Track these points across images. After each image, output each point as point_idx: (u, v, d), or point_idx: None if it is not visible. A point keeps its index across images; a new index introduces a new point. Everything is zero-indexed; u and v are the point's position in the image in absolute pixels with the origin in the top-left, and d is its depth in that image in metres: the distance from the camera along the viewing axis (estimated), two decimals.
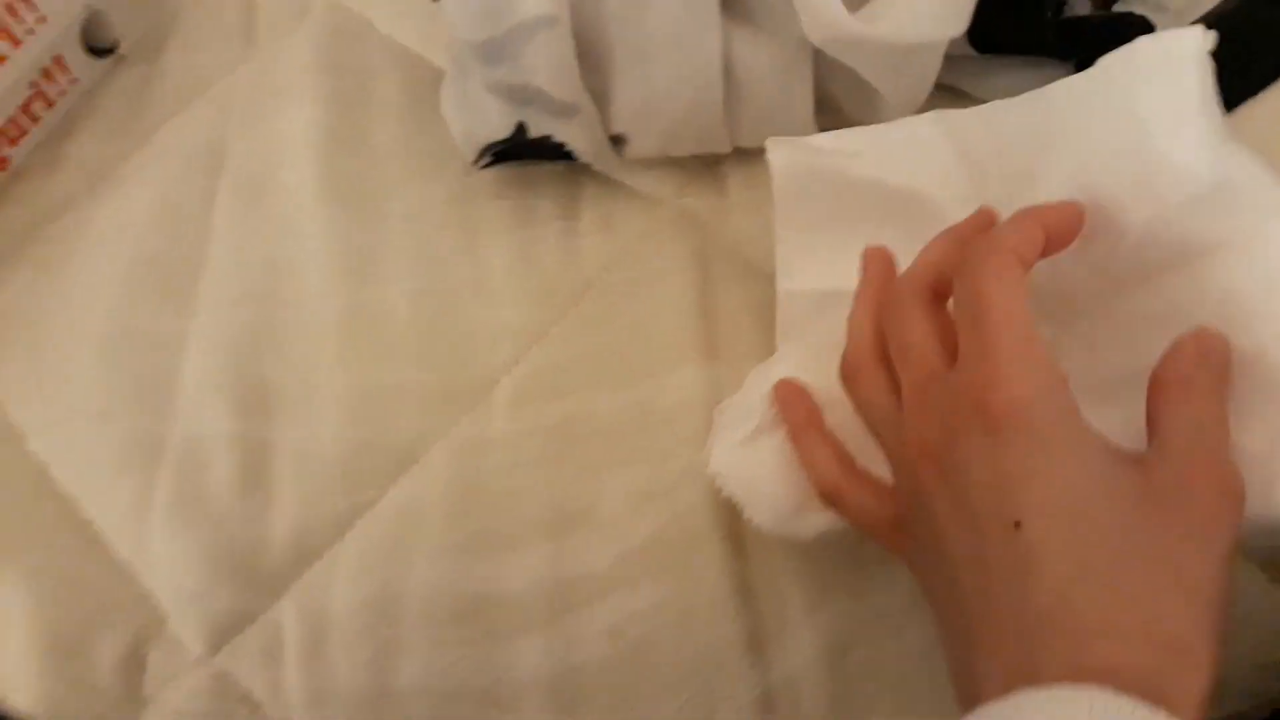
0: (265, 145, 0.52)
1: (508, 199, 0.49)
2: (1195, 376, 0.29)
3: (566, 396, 0.43)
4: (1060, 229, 0.32)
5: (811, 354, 0.39)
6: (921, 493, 0.29)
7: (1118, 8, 0.47)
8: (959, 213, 0.39)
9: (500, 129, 0.45)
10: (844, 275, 0.40)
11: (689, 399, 0.42)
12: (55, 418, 0.46)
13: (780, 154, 0.40)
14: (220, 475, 0.43)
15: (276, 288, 0.48)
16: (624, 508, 0.40)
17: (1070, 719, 0.23)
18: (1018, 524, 0.26)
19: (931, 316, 0.32)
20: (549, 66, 0.42)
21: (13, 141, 0.55)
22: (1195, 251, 0.33)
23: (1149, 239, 0.34)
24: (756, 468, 0.37)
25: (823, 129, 0.46)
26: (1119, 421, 0.34)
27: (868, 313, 0.35)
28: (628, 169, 0.49)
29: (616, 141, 0.47)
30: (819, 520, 0.36)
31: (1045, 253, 0.32)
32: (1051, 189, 0.37)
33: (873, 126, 0.41)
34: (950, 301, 0.33)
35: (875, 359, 0.34)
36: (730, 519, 0.40)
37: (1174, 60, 0.33)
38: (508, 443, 0.43)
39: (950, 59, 0.45)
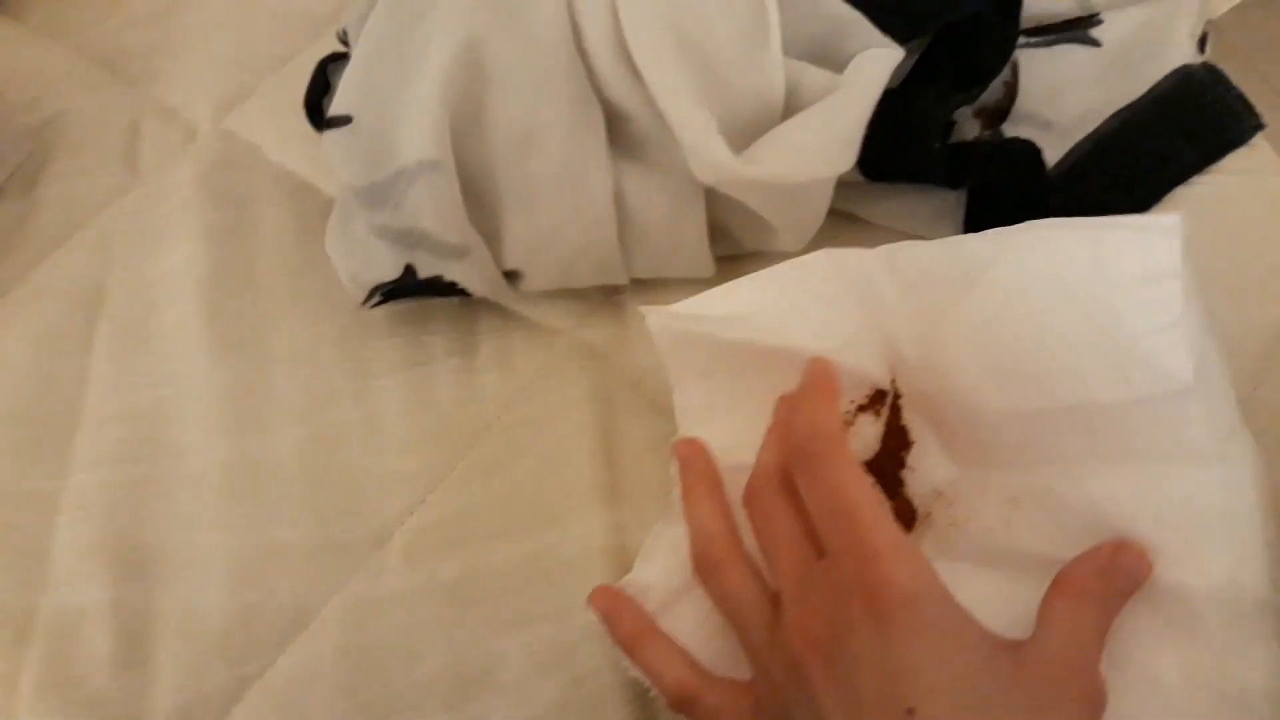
0: (146, 284, 0.51)
1: (400, 336, 0.47)
2: (1094, 588, 0.30)
3: (464, 548, 0.42)
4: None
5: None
6: (806, 685, 0.30)
7: (1005, 127, 0.49)
8: (845, 353, 0.39)
9: (388, 271, 0.44)
10: (738, 431, 0.39)
11: (591, 548, 0.41)
12: None
13: (657, 322, 0.40)
14: (95, 650, 0.40)
15: (155, 440, 0.46)
16: (525, 670, 0.39)
17: None
18: (910, 711, 0.27)
19: (792, 507, 0.33)
20: (435, 210, 0.41)
21: None
22: (1125, 455, 0.33)
23: (1099, 425, 0.34)
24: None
25: (718, 256, 0.46)
26: (1023, 597, 0.34)
27: (712, 507, 0.36)
28: (525, 301, 0.48)
29: (511, 276, 0.46)
30: None
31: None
32: (969, 338, 0.36)
33: (753, 277, 0.40)
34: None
35: (733, 551, 0.35)
36: (638, 681, 0.38)
37: (1163, 262, 0.33)
38: (402, 601, 0.41)
39: (842, 185, 0.45)
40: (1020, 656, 0.29)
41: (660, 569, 0.38)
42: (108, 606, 0.41)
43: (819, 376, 0.36)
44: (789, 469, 0.34)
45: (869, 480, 0.32)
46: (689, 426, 0.40)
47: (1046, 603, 0.31)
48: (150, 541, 0.43)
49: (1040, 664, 0.29)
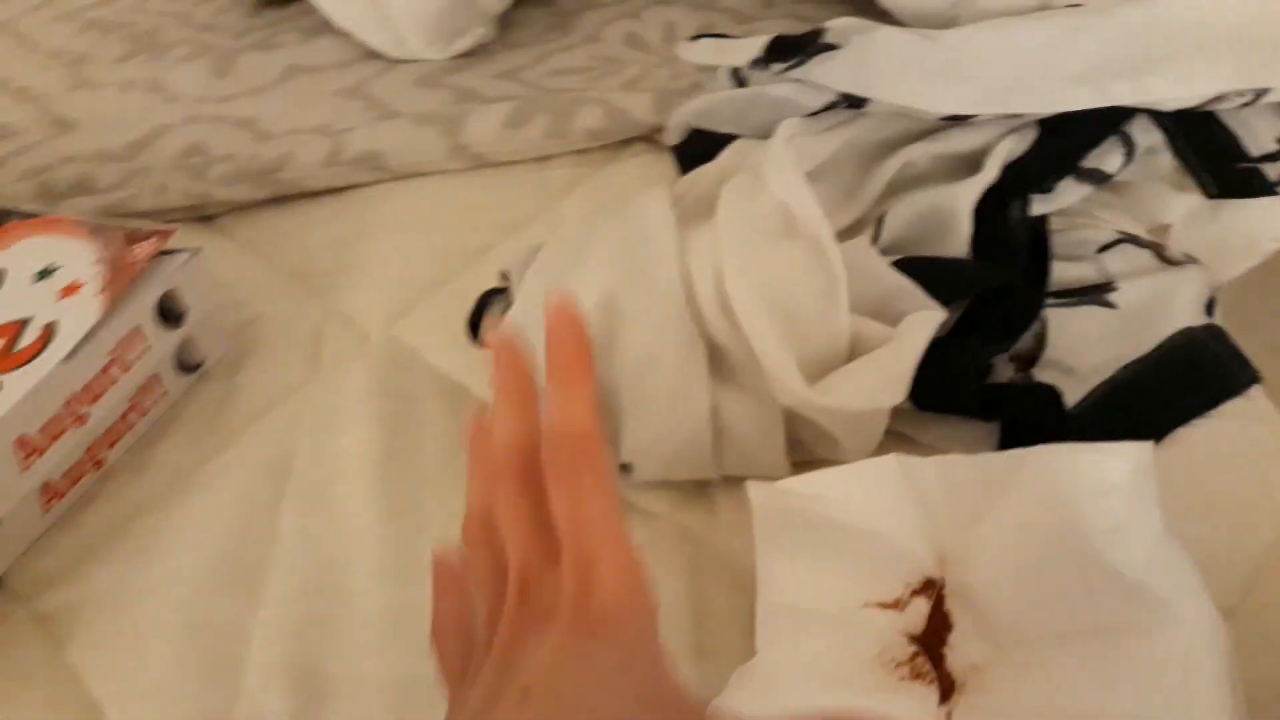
0: (327, 459, 0.65)
1: None
2: None
3: None
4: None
5: (786, 661, 0.49)
6: (490, 662, 0.33)
7: (1034, 371, 0.62)
8: (906, 542, 0.51)
9: None
10: (813, 592, 0.51)
11: None
12: (132, 694, 0.55)
13: (759, 495, 0.53)
14: None
15: (331, 585, 0.59)
16: None
17: None
18: (527, 690, 0.30)
19: (531, 505, 0.36)
20: None
21: (110, 445, 0.67)
22: (1112, 628, 0.44)
23: (1079, 608, 0.45)
24: None
25: (793, 463, 0.59)
26: None
27: (482, 485, 0.40)
28: (633, 488, 0.61)
29: (624, 468, 0.59)
30: None
31: None
32: (994, 536, 0.49)
33: (838, 469, 0.53)
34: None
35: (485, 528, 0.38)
36: None
37: (1106, 480, 0.46)
38: None
39: (897, 411, 0.58)
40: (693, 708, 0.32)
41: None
42: (287, 718, 0.53)
43: (571, 354, 0.36)
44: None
45: (616, 491, 0.34)
46: (768, 585, 0.52)
47: None
48: (324, 667, 0.55)
49: None
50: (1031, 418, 0.56)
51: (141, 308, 0.67)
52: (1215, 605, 0.45)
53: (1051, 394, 0.57)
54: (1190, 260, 0.68)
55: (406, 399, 0.68)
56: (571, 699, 0.30)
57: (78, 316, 0.64)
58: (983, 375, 0.59)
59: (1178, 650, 0.43)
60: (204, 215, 0.86)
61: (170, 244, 0.69)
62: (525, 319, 0.58)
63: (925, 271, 0.58)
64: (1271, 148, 0.69)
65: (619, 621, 0.31)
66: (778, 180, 0.59)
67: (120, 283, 0.66)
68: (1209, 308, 0.66)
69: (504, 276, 0.64)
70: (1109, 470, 0.45)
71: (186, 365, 0.73)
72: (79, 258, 0.68)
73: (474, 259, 0.77)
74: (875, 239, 0.62)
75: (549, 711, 0.29)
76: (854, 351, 0.56)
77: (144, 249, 0.68)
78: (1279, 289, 1.44)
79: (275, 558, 0.60)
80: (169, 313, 0.70)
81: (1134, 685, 0.43)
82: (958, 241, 0.61)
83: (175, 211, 0.85)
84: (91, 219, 0.71)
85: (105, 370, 0.65)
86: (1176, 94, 0.67)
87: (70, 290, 0.66)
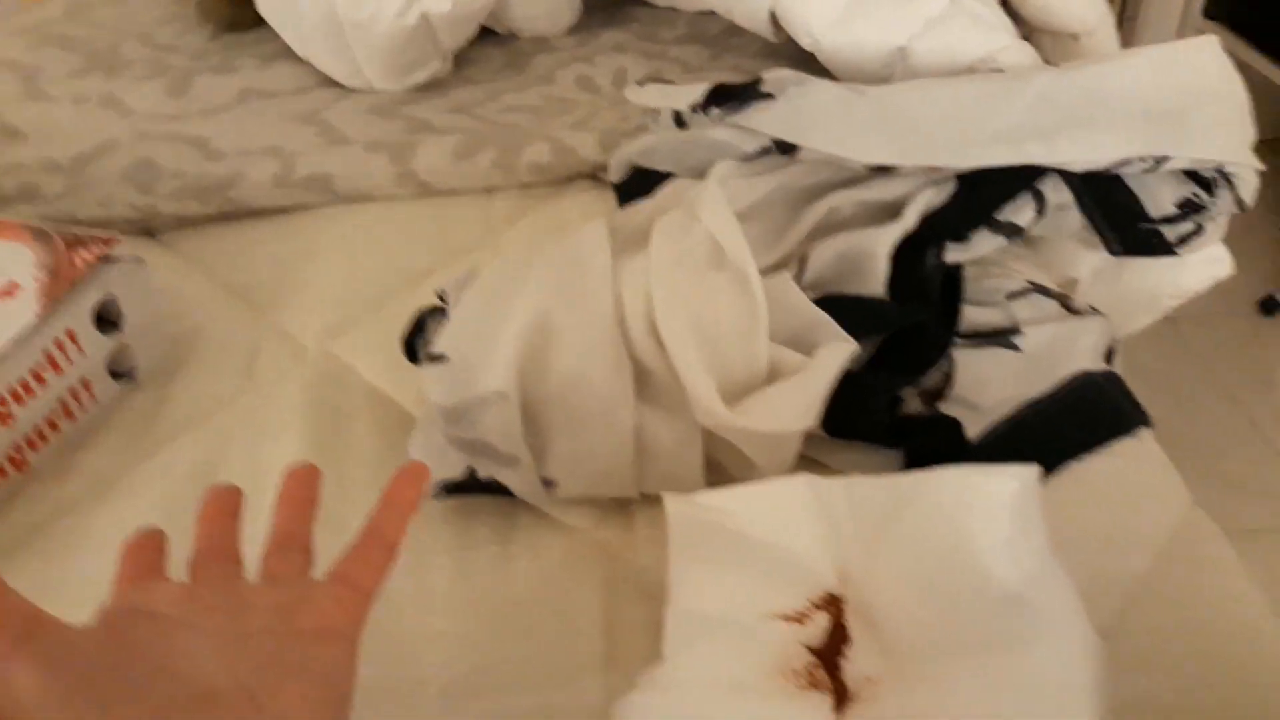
0: (254, 469, 0.66)
1: (453, 524, 0.62)
2: None
3: (487, 696, 0.55)
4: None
5: (691, 664, 0.52)
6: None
7: (940, 405, 0.65)
8: (811, 559, 0.54)
9: (455, 470, 0.60)
10: (721, 601, 0.54)
11: (589, 705, 0.54)
12: None
13: (675, 506, 0.55)
14: None
15: None
16: None
17: None
18: None
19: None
20: (498, 429, 0.58)
21: (33, 447, 0.68)
22: (996, 642, 0.47)
23: (966, 624, 0.48)
24: None
25: (710, 484, 0.61)
26: None
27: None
28: (556, 504, 0.63)
29: (548, 484, 0.61)
30: None
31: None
32: (892, 554, 0.52)
33: (752, 485, 0.56)
34: None
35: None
36: None
37: (995, 497, 0.49)
38: None
39: (812, 439, 0.61)
40: None
41: None
42: None
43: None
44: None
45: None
46: (679, 592, 0.54)
47: None
48: None
49: None
50: (934, 447, 0.59)
51: (78, 312, 0.68)
52: (1093, 626, 0.48)
53: (954, 425, 0.60)
54: (1094, 311, 0.72)
55: (338, 413, 0.70)
56: None
57: (12, 317, 0.65)
58: (892, 406, 0.62)
59: (1056, 663, 0.46)
60: (149, 229, 0.88)
61: (113, 253, 0.70)
62: (461, 336, 0.60)
63: (842, 308, 0.61)
64: (1171, 211, 0.74)
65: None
66: (709, 216, 0.62)
67: (59, 286, 0.67)
68: (1109, 356, 0.70)
69: (441, 296, 0.66)
70: (998, 489, 0.48)
71: (119, 372, 0.74)
72: (19, 261, 0.69)
73: (415, 281, 0.80)
74: (798, 276, 0.65)
75: None
76: (771, 378, 0.59)
77: (85, 255, 0.69)
78: (1174, 344, 1.52)
79: None
80: (106, 319, 0.71)
81: (1015, 696, 0.46)
82: (875, 282, 0.65)
83: (120, 224, 0.86)
84: (35, 224, 0.72)
85: (35, 372, 0.66)
86: (1084, 156, 0.72)
87: (7, 292, 0.67)
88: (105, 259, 0.70)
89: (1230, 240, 0.79)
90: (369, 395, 0.71)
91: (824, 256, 0.66)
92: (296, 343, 0.76)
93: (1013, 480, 0.49)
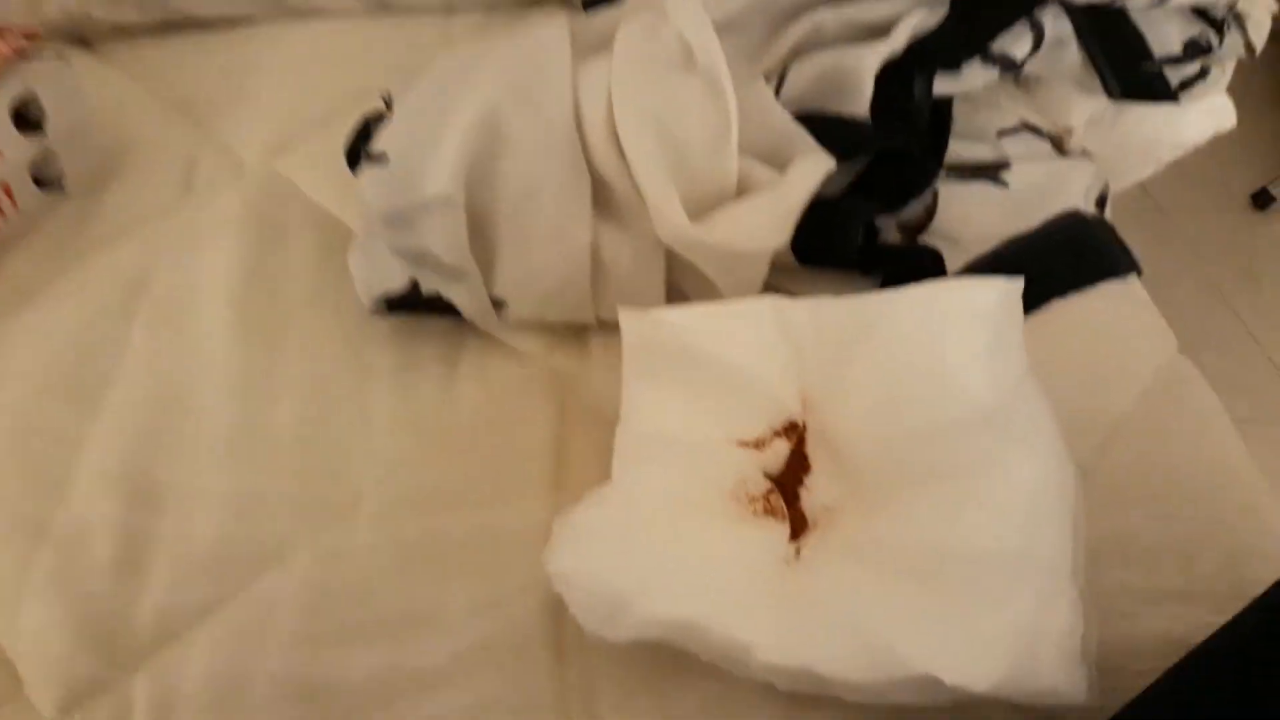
0: (186, 280, 0.62)
1: (397, 344, 0.58)
2: None
3: (425, 515, 0.51)
4: None
5: (641, 484, 0.48)
6: None
7: (922, 240, 0.61)
8: (773, 384, 0.50)
9: (397, 283, 0.55)
10: (675, 424, 0.50)
11: (534, 523, 0.50)
12: None
13: (631, 322, 0.51)
14: (99, 556, 0.49)
15: (178, 401, 0.56)
16: (463, 613, 0.48)
17: None
18: None
19: None
20: (443, 237, 0.53)
21: None
22: (967, 466, 0.44)
23: (935, 445, 0.45)
24: (585, 572, 0.45)
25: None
26: (877, 578, 0.43)
27: None
28: (506, 329, 0.59)
29: (497, 304, 0.57)
30: (632, 626, 0.44)
31: None
32: (859, 378, 0.48)
33: (713, 304, 0.52)
34: None
35: None
36: (556, 629, 0.47)
37: (975, 308, 0.45)
38: (367, 551, 0.50)
39: (778, 267, 0.57)
40: None
41: None
42: (116, 524, 0.50)
43: None
44: None
45: None
46: (631, 413, 0.50)
47: None
48: (160, 478, 0.52)
49: None
50: (912, 276, 0.55)
51: None
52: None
53: (934, 255, 0.56)
54: (1087, 155, 0.68)
55: (277, 228, 0.65)
56: None
57: None
58: (869, 235, 0.58)
59: (1027, 484, 0.43)
60: (83, 38, 0.81)
61: (33, 47, 0.64)
62: (402, 135, 0.55)
63: (822, 126, 0.56)
64: (1176, 51, 0.69)
65: None
66: (678, 14, 0.57)
67: None
68: (1100, 203, 0.66)
69: (386, 99, 0.60)
70: (979, 300, 0.45)
71: (45, 180, 0.68)
72: None
73: (367, 101, 0.73)
74: (775, 92, 0.60)
75: None
76: (741, 193, 0.54)
77: (1, 48, 0.63)
78: (1163, 234, 1.48)
79: (120, 371, 0.57)
80: (26, 119, 0.65)
81: (983, 518, 0.43)
82: (858, 103, 0.60)
83: (52, 33, 0.79)
84: None
85: None
86: None
87: None
88: (23, 53, 0.64)
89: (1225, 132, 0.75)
90: (311, 213, 0.66)
91: (804, 73, 0.60)
92: (237, 157, 0.71)
93: (993, 291, 0.45)
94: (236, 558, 0.50)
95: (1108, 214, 0.67)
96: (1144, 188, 1.53)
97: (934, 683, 0.40)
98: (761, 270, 0.55)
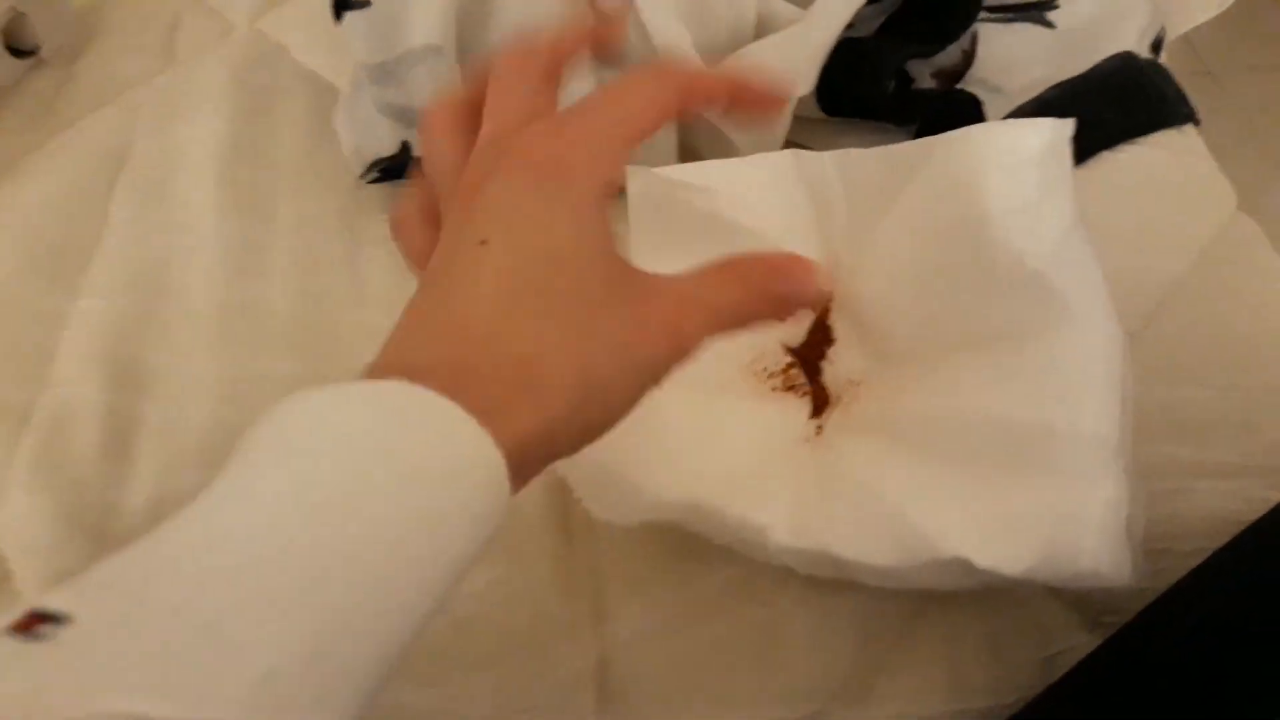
0: (169, 150, 0.58)
1: (388, 214, 0.54)
2: (758, 280, 0.31)
3: None
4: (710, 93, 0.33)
5: None
6: (448, 224, 0.30)
7: (959, 88, 0.55)
8: (796, 248, 0.46)
9: (387, 146, 0.51)
10: None
11: None
12: None
13: (638, 182, 0.47)
14: (85, 441, 0.47)
15: (162, 279, 0.52)
16: None
17: (361, 400, 0.25)
18: (484, 241, 0.27)
19: (537, 91, 0.32)
20: (434, 90, 0.48)
21: None
22: (1007, 333, 0.39)
23: (972, 309, 0.40)
24: (592, 454, 0.41)
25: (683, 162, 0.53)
26: (904, 454, 0.40)
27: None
28: None
29: None
30: (643, 509, 0.41)
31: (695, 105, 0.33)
32: (890, 236, 0.43)
33: (730, 161, 0.47)
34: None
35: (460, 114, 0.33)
36: (562, 511, 0.45)
37: (1021, 150, 0.40)
38: None
39: (802, 120, 0.52)
40: (635, 269, 0.29)
41: None
42: (100, 407, 0.48)
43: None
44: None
45: (656, 109, 0.31)
46: None
47: (706, 267, 0.31)
48: (146, 360, 0.49)
49: (652, 284, 0.29)
50: (949, 125, 0.50)
51: None
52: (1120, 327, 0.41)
53: (970, 99, 0.51)
54: None
55: (265, 93, 0.60)
56: (525, 245, 0.27)
57: None
58: (901, 80, 0.53)
59: (1072, 351, 0.39)
60: None
61: None
62: None
63: None
64: None
65: (568, 169, 0.28)
66: None
67: None
68: (1156, 47, 0.60)
69: None
70: (1024, 142, 0.39)
71: (18, 49, 0.64)
72: None
73: None
74: None
75: (505, 258, 0.27)
76: (760, 33, 0.49)
77: None
78: (1216, 98, 1.39)
79: (101, 248, 0.54)
80: None
81: (1021, 387, 0.39)
82: None
83: None
84: None
85: None
86: None
87: None
88: None
89: None
90: (301, 77, 0.61)
91: None
92: (222, 19, 0.66)
93: (1042, 133, 0.40)
94: (229, 443, 0.47)
95: (1163, 59, 0.61)
96: (1194, 48, 1.43)
97: (964, 565, 0.36)
98: (784, 123, 0.50)
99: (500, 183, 0.28)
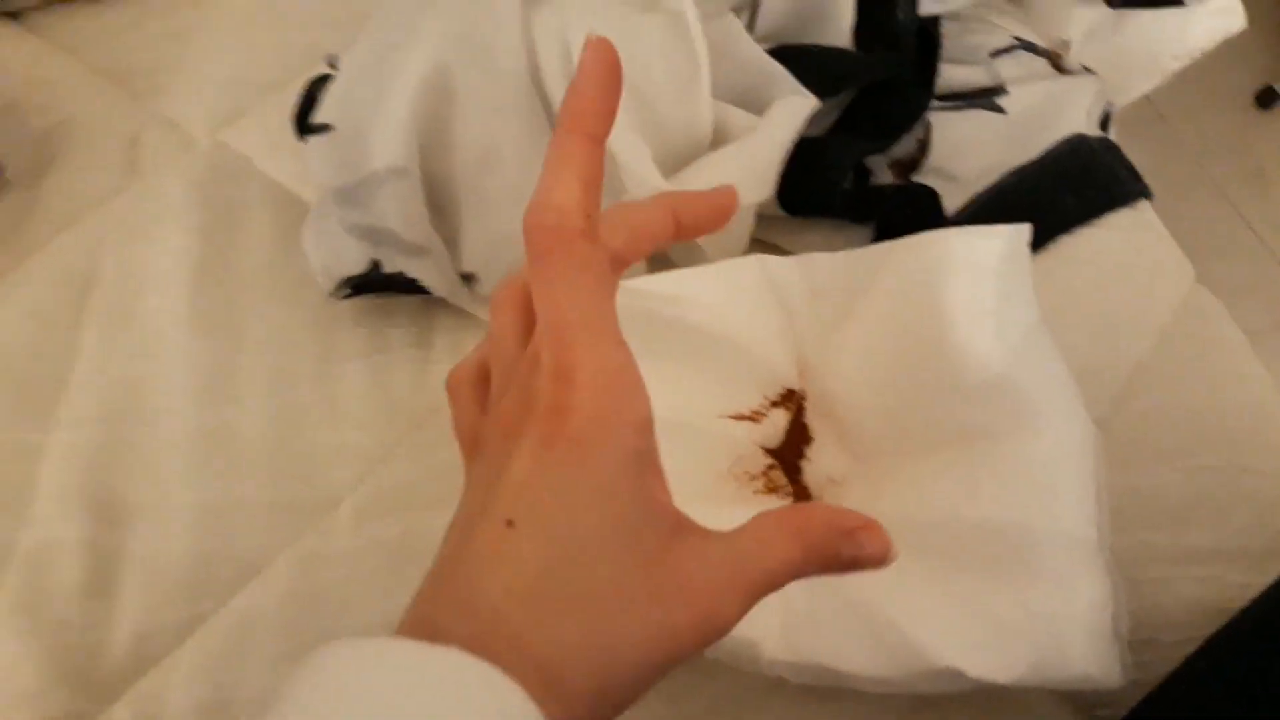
0: (135, 271, 0.57)
1: (364, 327, 0.54)
2: (816, 538, 0.28)
3: (405, 513, 0.48)
4: (694, 215, 0.32)
5: None
6: (484, 448, 0.30)
7: (915, 179, 0.57)
8: (766, 350, 0.47)
9: (356, 264, 0.51)
10: (662, 402, 0.46)
11: None
12: None
13: None
14: (66, 580, 0.46)
15: (134, 406, 0.52)
16: None
17: (417, 667, 0.24)
18: (510, 523, 0.26)
19: (524, 312, 0.32)
20: (399, 212, 0.49)
21: None
22: (978, 433, 0.40)
23: (942, 411, 0.41)
24: None
25: (652, 272, 0.53)
26: (892, 566, 0.40)
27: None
28: (478, 302, 0.55)
29: (467, 279, 0.53)
30: None
31: (677, 236, 0.32)
32: (857, 339, 0.44)
33: (695, 269, 0.48)
34: None
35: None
36: None
37: (979, 259, 0.40)
38: (348, 557, 0.47)
39: (768, 220, 0.53)
40: (680, 534, 0.27)
41: None
42: (81, 544, 0.47)
43: (586, 101, 0.28)
44: None
45: (600, 295, 0.29)
46: None
47: (760, 517, 0.28)
48: (124, 492, 0.49)
49: (692, 555, 0.27)
50: (908, 220, 0.51)
51: None
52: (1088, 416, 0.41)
53: (928, 193, 0.52)
54: (1087, 71, 0.63)
55: (230, 207, 0.60)
56: (551, 534, 0.26)
57: None
58: (859, 174, 0.54)
59: (1044, 454, 0.39)
60: (9, 9, 0.75)
61: None
62: (347, 101, 0.51)
63: (801, 60, 0.52)
64: None
65: (596, 442, 0.27)
66: None
67: None
68: (1104, 123, 0.61)
69: (331, 63, 0.56)
70: (983, 250, 0.40)
71: None
72: None
73: (316, 60, 0.68)
74: (749, 26, 0.55)
75: (529, 546, 0.26)
76: (717, 142, 0.50)
77: None
78: (1164, 140, 1.42)
79: (73, 377, 0.53)
80: None
81: (998, 489, 0.39)
82: (839, 31, 0.55)
83: None
84: None
85: None
86: None
87: None
88: None
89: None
90: (266, 189, 0.62)
91: (778, 3, 0.55)
92: (183, 132, 0.66)
93: (1001, 241, 0.41)
94: (211, 573, 0.47)
95: (1112, 133, 0.62)
96: (1144, 94, 1.47)
97: (956, 675, 0.37)
98: (747, 226, 0.51)
99: (527, 458, 0.27)
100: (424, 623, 0.26)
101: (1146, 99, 1.43)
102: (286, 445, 0.51)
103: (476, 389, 0.33)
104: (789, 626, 0.40)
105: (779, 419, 0.47)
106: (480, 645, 0.24)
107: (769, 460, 0.47)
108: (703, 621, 0.26)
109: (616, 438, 0.27)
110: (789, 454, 0.47)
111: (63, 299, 0.57)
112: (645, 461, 0.28)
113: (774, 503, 0.46)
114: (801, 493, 0.46)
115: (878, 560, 0.28)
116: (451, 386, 0.33)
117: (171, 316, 0.55)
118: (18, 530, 0.48)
